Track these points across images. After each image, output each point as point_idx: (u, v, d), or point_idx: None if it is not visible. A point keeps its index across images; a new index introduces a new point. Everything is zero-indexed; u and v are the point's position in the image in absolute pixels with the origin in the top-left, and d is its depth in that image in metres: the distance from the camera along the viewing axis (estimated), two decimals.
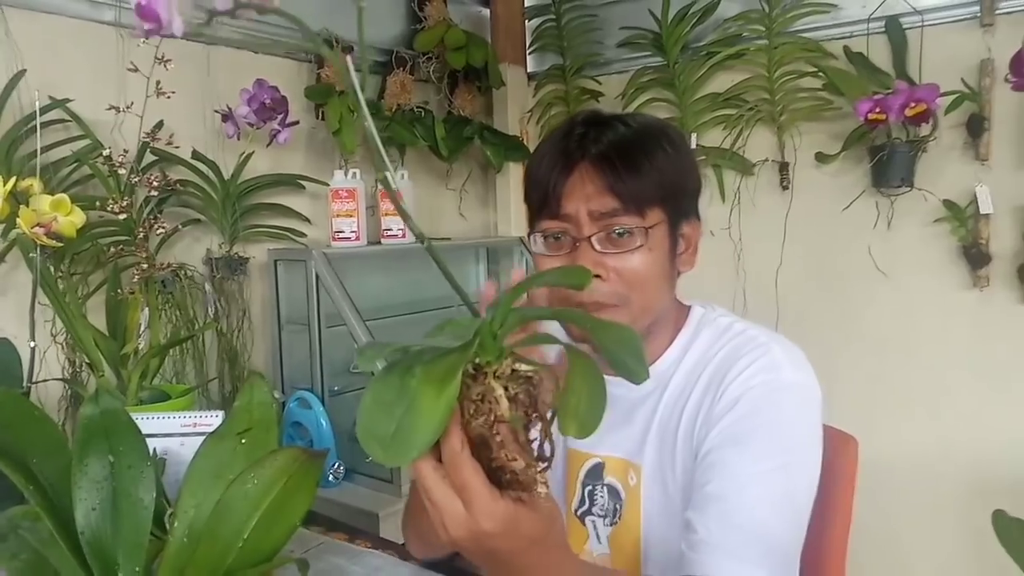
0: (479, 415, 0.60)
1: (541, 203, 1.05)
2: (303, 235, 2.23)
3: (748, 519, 0.93)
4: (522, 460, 0.61)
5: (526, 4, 2.85)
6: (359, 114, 0.57)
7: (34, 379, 1.50)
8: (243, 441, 0.94)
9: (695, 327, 1.12)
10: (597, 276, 1.00)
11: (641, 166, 1.01)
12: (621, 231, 1.01)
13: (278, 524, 0.86)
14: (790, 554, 0.96)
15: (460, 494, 0.63)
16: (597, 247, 1.01)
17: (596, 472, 1.15)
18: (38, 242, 1.28)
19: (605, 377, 1.15)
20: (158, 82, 1.65)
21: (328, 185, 2.22)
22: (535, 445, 0.63)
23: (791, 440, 0.98)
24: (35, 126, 1.67)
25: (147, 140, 1.72)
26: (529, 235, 1.10)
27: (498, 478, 0.63)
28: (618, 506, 1.12)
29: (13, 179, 1.28)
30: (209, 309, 2.05)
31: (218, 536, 0.85)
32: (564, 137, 1.06)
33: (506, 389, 0.60)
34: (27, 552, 0.87)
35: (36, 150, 1.65)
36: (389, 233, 2.33)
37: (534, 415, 0.61)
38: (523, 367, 0.61)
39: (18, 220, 1.26)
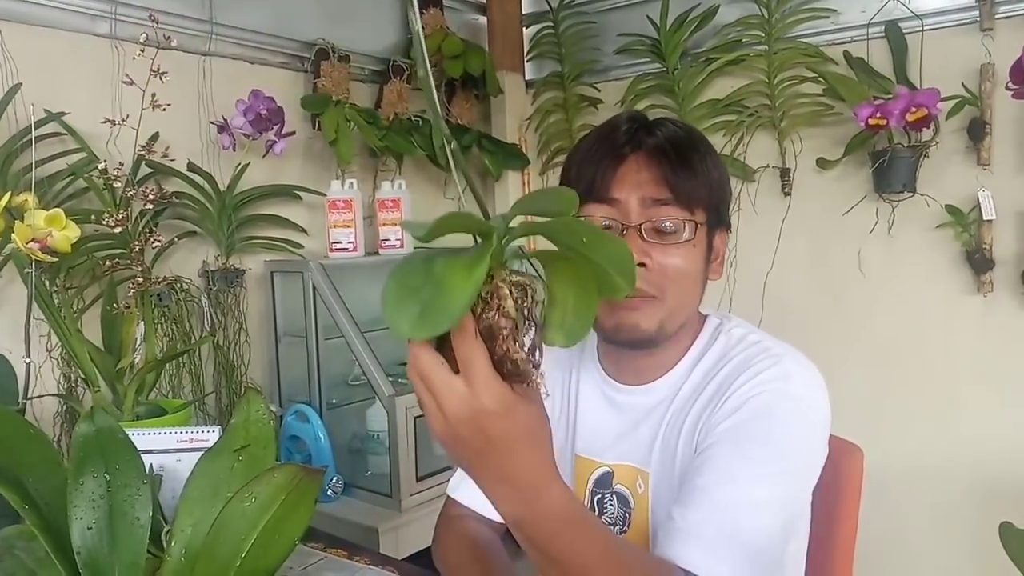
0: (488, 310, 0.62)
1: (587, 189, 1.04)
2: (300, 246, 2.21)
3: (727, 516, 0.91)
4: (523, 353, 0.64)
5: (523, 11, 2.85)
6: (436, 133, 0.58)
7: (30, 395, 1.48)
8: (240, 458, 0.92)
9: (709, 336, 1.11)
10: (641, 264, 0.99)
11: (695, 165, 1.02)
12: (669, 224, 1.01)
13: (276, 542, 0.85)
14: (765, 562, 0.94)
15: (465, 370, 0.64)
16: (644, 236, 1.01)
17: (605, 480, 1.14)
18: (33, 258, 1.26)
19: (617, 385, 1.14)
20: (154, 94, 1.63)
21: (325, 195, 2.21)
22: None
23: (787, 451, 0.96)
24: (30, 140, 1.66)
25: (143, 153, 1.70)
26: None
27: (499, 370, 0.65)
28: (628, 514, 1.11)
29: (8, 195, 1.26)
30: (205, 322, 2.03)
31: (216, 555, 0.83)
32: (612, 132, 1.06)
33: (510, 292, 0.63)
34: (23, 572, 0.87)
35: (31, 164, 1.63)
36: (387, 243, 2.32)
37: (527, 322, 0.64)
38: (515, 277, 0.63)
39: (13, 236, 1.24)
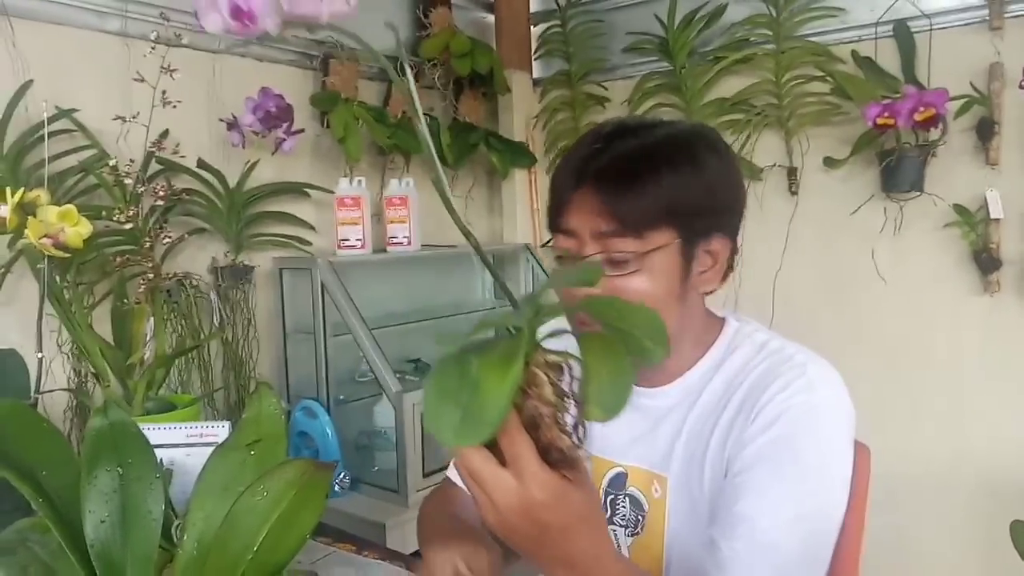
0: (528, 399, 0.64)
1: (553, 215, 1.04)
2: (308, 243, 2.22)
3: (776, 542, 0.92)
4: (568, 439, 0.65)
5: (531, 10, 2.85)
6: (423, 144, 0.62)
7: (41, 390, 1.48)
8: (252, 453, 0.93)
9: (729, 342, 1.10)
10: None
11: (643, 185, 0.98)
12: (617, 255, 0.98)
13: (288, 536, 0.85)
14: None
15: (513, 465, 0.66)
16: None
17: (619, 481, 1.13)
18: (46, 253, 1.27)
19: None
20: (164, 91, 1.64)
21: (333, 193, 2.22)
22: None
23: (823, 464, 0.97)
24: (41, 136, 1.67)
25: (153, 149, 1.71)
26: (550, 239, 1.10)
27: (546, 458, 0.66)
28: (640, 517, 1.11)
29: (21, 190, 1.27)
30: (214, 318, 2.04)
31: (228, 548, 0.84)
32: (584, 148, 1.03)
33: (546, 376, 0.64)
34: (36, 565, 0.87)
35: (43, 160, 1.65)
36: (394, 241, 2.32)
37: (567, 399, 0.65)
38: (551, 356, 0.65)
39: (26, 231, 1.25)
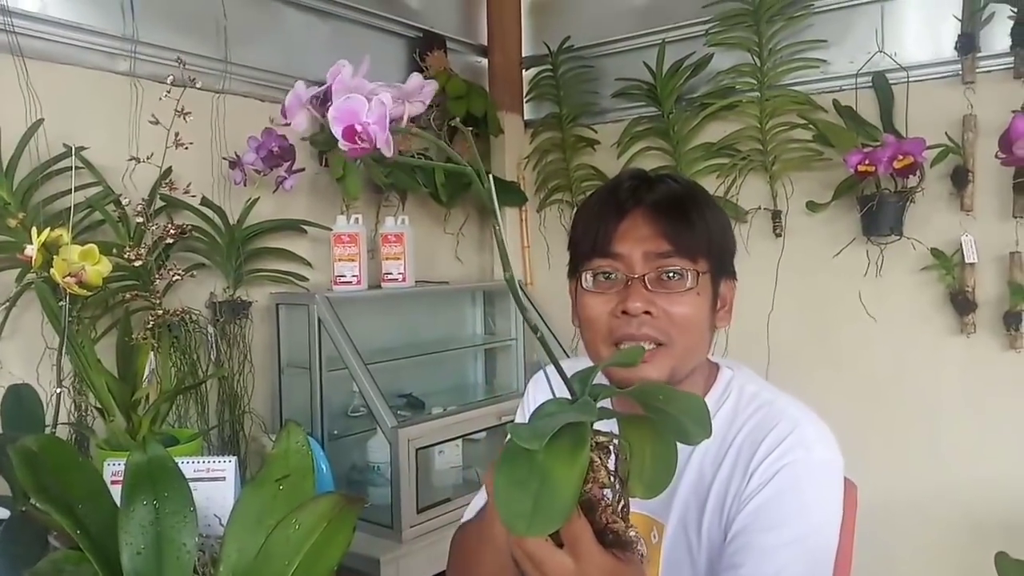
0: (585, 483, 0.66)
1: (592, 244, 1.07)
2: (305, 279, 2.26)
3: None
4: (622, 522, 0.69)
5: (523, 55, 2.94)
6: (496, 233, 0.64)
7: (55, 424, 1.51)
8: (281, 487, 0.97)
9: (723, 389, 1.14)
10: (647, 313, 1.02)
11: (693, 219, 1.06)
12: (672, 273, 1.04)
13: (318, 566, 0.90)
14: None
15: (571, 547, 0.69)
16: (648, 286, 1.04)
17: None
18: (69, 291, 1.30)
19: None
20: (177, 133, 1.69)
21: (331, 230, 2.26)
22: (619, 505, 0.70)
23: (819, 518, 1.02)
24: (51, 173, 1.71)
25: (165, 189, 1.75)
26: (577, 275, 1.11)
27: (601, 539, 0.69)
28: None
29: (47, 230, 1.31)
30: (211, 353, 2.06)
31: None
32: (615, 189, 1.10)
33: (600, 460, 0.67)
34: None
35: (50, 196, 1.69)
36: (389, 277, 2.36)
37: (616, 479, 0.68)
38: (600, 438, 0.68)
39: (52, 270, 1.28)
